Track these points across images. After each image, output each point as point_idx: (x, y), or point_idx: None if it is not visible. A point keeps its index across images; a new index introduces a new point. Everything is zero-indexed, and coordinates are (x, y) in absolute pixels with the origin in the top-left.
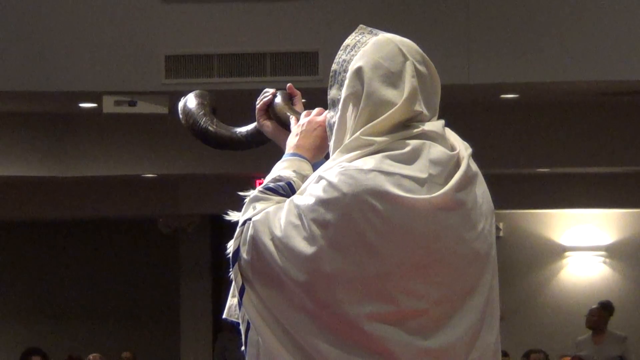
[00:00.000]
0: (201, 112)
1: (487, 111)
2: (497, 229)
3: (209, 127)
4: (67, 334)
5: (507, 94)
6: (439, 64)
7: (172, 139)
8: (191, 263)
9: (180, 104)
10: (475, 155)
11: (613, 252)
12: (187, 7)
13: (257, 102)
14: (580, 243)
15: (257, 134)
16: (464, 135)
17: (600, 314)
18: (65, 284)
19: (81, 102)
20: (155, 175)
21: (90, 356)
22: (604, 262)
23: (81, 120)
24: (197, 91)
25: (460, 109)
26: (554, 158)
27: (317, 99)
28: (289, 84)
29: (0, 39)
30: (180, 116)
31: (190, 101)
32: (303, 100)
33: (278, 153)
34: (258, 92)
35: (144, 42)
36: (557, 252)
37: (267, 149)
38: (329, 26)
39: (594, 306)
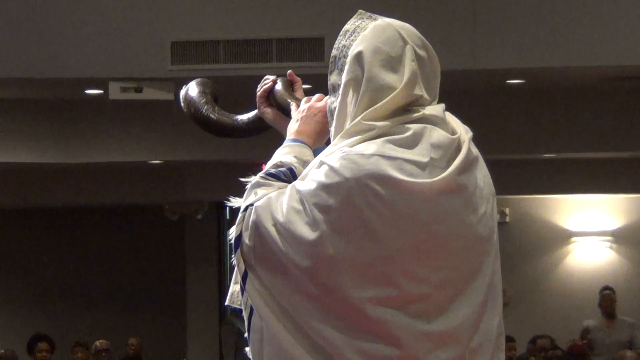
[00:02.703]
0: (202, 100)
1: (493, 96)
2: (504, 214)
3: (211, 115)
4: (73, 320)
5: (513, 79)
6: (445, 49)
7: (179, 126)
8: (197, 249)
9: (182, 92)
10: (481, 141)
11: (619, 237)
12: None
13: (258, 90)
14: (587, 228)
15: (258, 121)
16: (470, 121)
17: (613, 298)
18: (71, 271)
19: (87, 89)
20: (161, 162)
21: (97, 342)
22: (610, 247)
23: (87, 106)
24: (198, 79)
25: (466, 94)
26: (560, 143)
27: (323, 84)
28: (289, 71)
29: (6, 25)
30: (182, 104)
31: (191, 89)
32: (309, 86)
33: (284, 139)
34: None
35: (150, 29)
36: (564, 237)
37: (274, 135)
38: (335, 12)
39: (606, 292)
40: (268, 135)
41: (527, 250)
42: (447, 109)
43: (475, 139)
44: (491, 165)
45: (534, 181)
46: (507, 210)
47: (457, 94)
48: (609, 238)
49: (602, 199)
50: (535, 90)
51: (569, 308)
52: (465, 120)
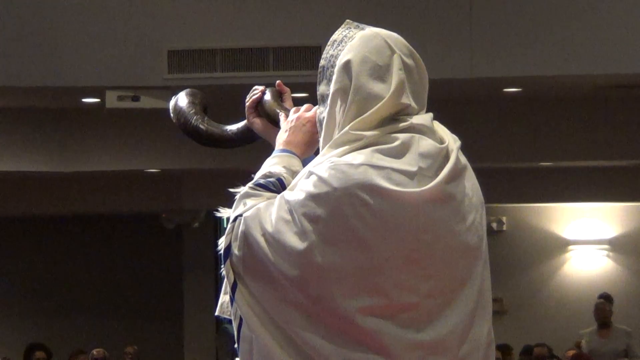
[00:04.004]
0: (192, 111)
1: (490, 105)
2: (501, 222)
3: (200, 126)
4: (70, 329)
5: (510, 87)
6: (443, 58)
7: (175, 134)
8: (194, 258)
9: (172, 103)
10: (478, 149)
11: (616, 245)
12: (189, 2)
13: (247, 100)
14: (584, 237)
15: (247, 131)
16: (467, 129)
17: (607, 308)
18: (68, 280)
19: (84, 97)
20: (158, 170)
21: (94, 351)
22: (607, 256)
23: (84, 115)
24: (187, 90)
25: (463, 102)
26: (557, 152)
27: None
28: (278, 81)
29: (4, 34)
30: (172, 115)
31: (181, 100)
32: (306, 95)
33: (273, 149)
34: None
35: (147, 37)
36: (561, 245)
37: (270, 144)
38: (331, 20)
39: (599, 300)
40: (267, 144)
41: (524, 259)
42: (445, 117)
43: (472, 148)
44: (488, 173)
45: (531, 189)
46: (504, 219)
47: (455, 103)
48: (606, 246)
49: (599, 208)
50: (532, 98)
51: (566, 316)
52: (462, 128)
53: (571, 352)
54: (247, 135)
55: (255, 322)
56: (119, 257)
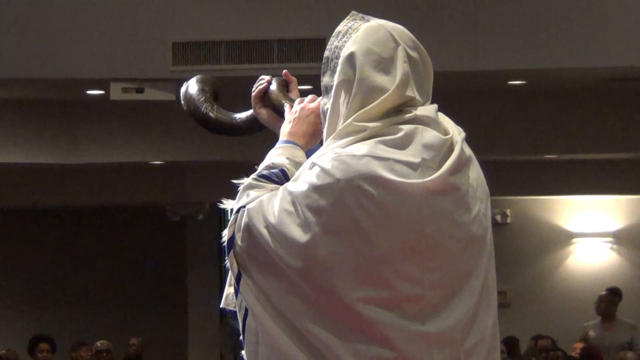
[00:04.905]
0: (202, 98)
1: (494, 97)
2: (505, 215)
3: (210, 113)
4: (74, 320)
5: (514, 80)
6: (447, 50)
7: (180, 126)
8: (198, 250)
9: (182, 90)
10: (482, 142)
11: (620, 238)
12: None
13: (253, 90)
14: (588, 229)
15: (254, 120)
16: (471, 122)
17: (610, 300)
18: (72, 271)
19: (88, 89)
20: (162, 162)
21: (98, 343)
22: (612, 249)
23: (88, 107)
24: (198, 76)
25: (468, 95)
26: (562, 144)
27: None
28: (284, 71)
29: (7, 26)
30: (182, 102)
31: (191, 87)
32: (310, 87)
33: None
34: None
35: (151, 29)
36: (565, 238)
37: (276, 136)
38: (335, 13)
39: (603, 292)
40: (269, 136)
41: (528, 251)
42: (449, 109)
43: (476, 140)
44: (492, 166)
45: (535, 182)
46: (508, 211)
47: (459, 95)
48: (610, 239)
49: (603, 200)
50: (536, 91)
51: (570, 309)
52: (466, 121)
53: (579, 345)
54: (254, 124)
55: (261, 313)
56: (123, 249)
